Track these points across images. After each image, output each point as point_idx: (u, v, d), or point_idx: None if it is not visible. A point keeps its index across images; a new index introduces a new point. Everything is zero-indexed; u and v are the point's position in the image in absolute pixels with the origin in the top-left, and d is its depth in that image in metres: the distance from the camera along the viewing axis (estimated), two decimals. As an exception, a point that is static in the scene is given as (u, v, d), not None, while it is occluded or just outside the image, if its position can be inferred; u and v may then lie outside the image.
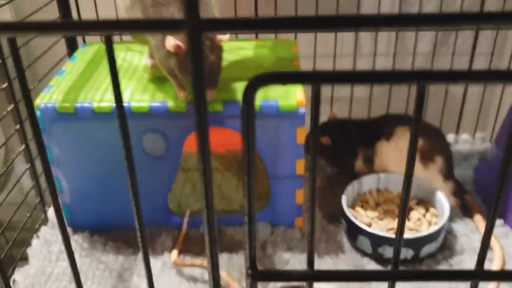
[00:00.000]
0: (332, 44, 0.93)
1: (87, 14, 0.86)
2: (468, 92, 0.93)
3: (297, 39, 0.87)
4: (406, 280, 0.26)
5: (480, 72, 0.20)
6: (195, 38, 0.18)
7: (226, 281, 0.63)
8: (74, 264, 0.38)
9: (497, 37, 0.91)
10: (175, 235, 0.73)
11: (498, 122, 0.91)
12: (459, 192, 0.76)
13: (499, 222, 0.74)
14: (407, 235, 0.67)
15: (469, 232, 0.73)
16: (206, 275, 0.67)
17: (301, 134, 0.66)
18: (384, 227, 0.71)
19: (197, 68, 0.19)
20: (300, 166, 0.68)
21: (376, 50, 0.94)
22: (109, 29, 0.18)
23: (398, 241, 0.33)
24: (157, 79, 0.70)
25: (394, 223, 0.72)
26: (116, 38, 0.85)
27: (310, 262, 0.28)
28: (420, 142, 0.74)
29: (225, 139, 0.77)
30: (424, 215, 0.73)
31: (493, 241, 0.69)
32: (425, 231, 0.69)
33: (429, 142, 0.75)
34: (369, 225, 0.71)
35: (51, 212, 0.78)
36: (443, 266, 0.68)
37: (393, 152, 0.77)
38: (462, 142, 0.92)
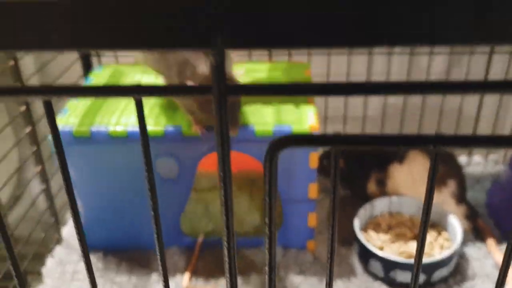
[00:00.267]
0: (345, 65, 0.93)
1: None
2: (481, 113, 0.93)
3: (311, 61, 0.88)
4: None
5: (491, 138, 0.21)
6: (222, 101, 0.18)
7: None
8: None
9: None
10: (187, 256, 0.73)
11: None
12: (471, 215, 0.76)
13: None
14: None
15: (482, 257, 0.72)
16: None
17: (314, 158, 0.66)
18: (396, 251, 0.71)
19: (222, 128, 0.19)
20: (313, 190, 0.69)
21: (390, 70, 0.95)
22: (140, 92, 0.18)
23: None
24: (171, 102, 0.71)
25: (406, 247, 0.72)
26: (129, 59, 0.86)
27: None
28: (433, 166, 0.74)
29: (237, 160, 0.78)
30: (436, 239, 0.73)
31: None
32: (437, 255, 0.69)
33: (442, 166, 0.75)
34: (381, 249, 0.71)
35: (65, 231, 0.79)
36: (455, 292, 0.68)
37: (405, 175, 0.77)
38: (475, 164, 0.92)
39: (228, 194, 0.20)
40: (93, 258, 0.73)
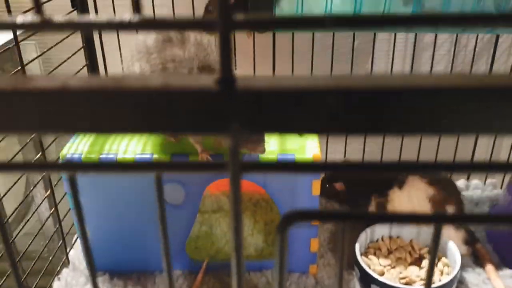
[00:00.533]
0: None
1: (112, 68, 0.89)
2: (479, 138, 0.95)
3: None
4: None
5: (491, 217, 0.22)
6: (236, 180, 0.20)
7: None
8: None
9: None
10: (191, 280, 0.75)
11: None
12: (470, 240, 0.78)
13: (510, 272, 0.75)
14: (420, 287, 0.68)
15: (481, 282, 0.74)
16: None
17: (317, 186, 0.68)
18: (397, 276, 0.72)
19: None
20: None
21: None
22: (160, 168, 0.20)
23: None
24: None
25: (406, 272, 0.73)
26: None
27: None
28: (431, 191, 0.76)
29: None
30: (436, 264, 0.75)
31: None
32: (437, 281, 0.70)
33: (440, 191, 0.77)
34: (382, 273, 0.73)
35: (72, 254, 0.80)
36: (454, 317, 0.69)
37: (405, 200, 0.79)
38: (473, 188, 0.94)
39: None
40: (99, 280, 0.75)
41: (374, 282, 0.71)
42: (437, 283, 0.69)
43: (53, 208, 0.75)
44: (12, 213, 0.72)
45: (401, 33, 0.93)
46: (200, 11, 0.85)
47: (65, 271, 0.77)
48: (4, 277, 0.64)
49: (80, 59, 0.84)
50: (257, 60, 0.89)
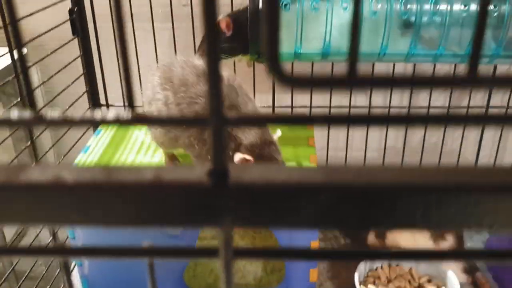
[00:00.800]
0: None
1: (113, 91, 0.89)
2: (479, 161, 0.95)
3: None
4: None
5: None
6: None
7: None
8: None
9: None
10: (190, 308, 0.74)
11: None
12: (470, 269, 0.77)
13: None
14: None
15: (481, 313, 0.74)
16: None
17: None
18: (396, 306, 0.72)
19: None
20: (315, 246, 0.70)
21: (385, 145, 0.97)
22: (153, 254, 0.20)
23: None
24: (182, 155, 0.73)
25: (405, 301, 0.73)
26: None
27: None
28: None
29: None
30: (435, 294, 0.74)
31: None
32: (436, 312, 0.70)
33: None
34: (381, 303, 0.72)
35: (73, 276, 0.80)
36: None
37: (405, 228, 0.78)
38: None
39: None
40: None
41: (373, 313, 0.70)
42: (437, 315, 0.69)
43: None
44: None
45: (400, 63, 0.93)
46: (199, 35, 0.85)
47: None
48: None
49: (81, 84, 0.85)
50: (257, 88, 0.89)
